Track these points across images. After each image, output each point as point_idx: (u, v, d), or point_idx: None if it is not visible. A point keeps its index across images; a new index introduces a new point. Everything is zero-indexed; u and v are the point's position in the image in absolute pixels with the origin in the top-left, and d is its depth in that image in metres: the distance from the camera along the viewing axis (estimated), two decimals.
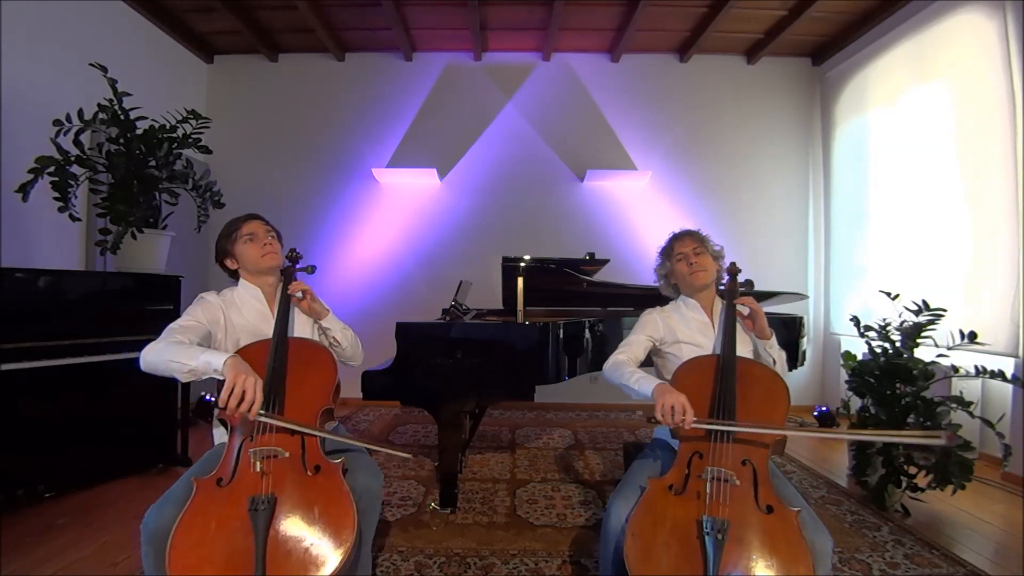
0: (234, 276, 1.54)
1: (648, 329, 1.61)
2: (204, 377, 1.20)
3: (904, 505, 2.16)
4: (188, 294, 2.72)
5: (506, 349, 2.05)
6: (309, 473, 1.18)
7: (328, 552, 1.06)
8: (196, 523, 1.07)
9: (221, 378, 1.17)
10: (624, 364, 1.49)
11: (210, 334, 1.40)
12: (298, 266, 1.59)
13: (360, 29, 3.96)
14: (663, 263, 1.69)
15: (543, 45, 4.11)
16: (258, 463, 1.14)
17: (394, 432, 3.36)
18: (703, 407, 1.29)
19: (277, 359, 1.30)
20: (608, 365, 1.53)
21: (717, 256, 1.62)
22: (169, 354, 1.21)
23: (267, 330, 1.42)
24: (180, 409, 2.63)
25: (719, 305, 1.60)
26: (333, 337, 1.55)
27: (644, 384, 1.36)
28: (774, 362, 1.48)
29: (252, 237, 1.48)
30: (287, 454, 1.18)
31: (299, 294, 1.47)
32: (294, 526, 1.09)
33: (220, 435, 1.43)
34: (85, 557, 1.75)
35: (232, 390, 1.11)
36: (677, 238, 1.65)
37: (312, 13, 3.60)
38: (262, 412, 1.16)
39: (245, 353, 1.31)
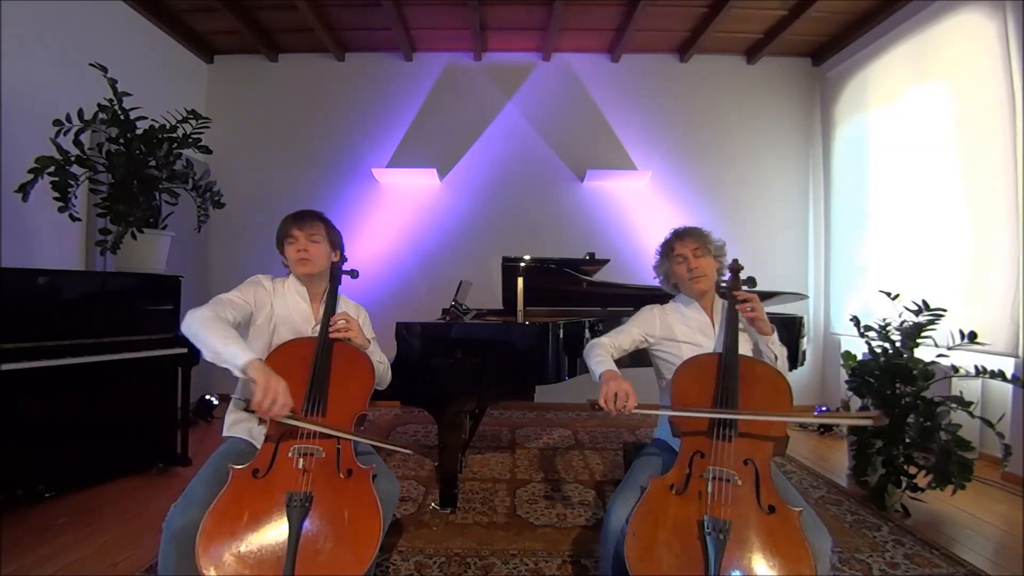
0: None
1: (643, 324, 1.60)
2: (223, 365, 1.22)
3: (904, 505, 2.16)
4: (188, 294, 2.75)
5: (506, 349, 2.05)
6: (342, 476, 1.19)
7: (355, 556, 1.08)
8: (229, 511, 1.08)
9: (237, 374, 1.20)
10: (600, 346, 1.52)
11: (252, 315, 1.43)
12: (342, 270, 1.59)
13: (360, 29, 3.95)
14: (662, 262, 1.65)
15: (543, 45, 4.11)
16: (300, 460, 1.16)
17: (394, 432, 3.36)
18: (705, 406, 1.28)
19: (321, 361, 1.31)
20: (588, 344, 1.57)
21: (719, 255, 1.58)
22: (206, 326, 1.23)
23: (305, 328, 1.45)
24: (180, 409, 2.63)
25: (719, 303, 1.59)
26: None
27: (599, 367, 1.40)
28: (775, 358, 1.47)
29: (293, 240, 1.48)
30: (324, 454, 1.20)
31: (341, 336, 1.38)
32: (325, 527, 1.10)
33: (231, 423, 1.42)
34: (85, 557, 1.75)
35: (266, 393, 1.14)
36: (677, 236, 1.59)
37: (312, 13, 3.59)
38: (289, 414, 1.18)
39: (288, 349, 1.34)
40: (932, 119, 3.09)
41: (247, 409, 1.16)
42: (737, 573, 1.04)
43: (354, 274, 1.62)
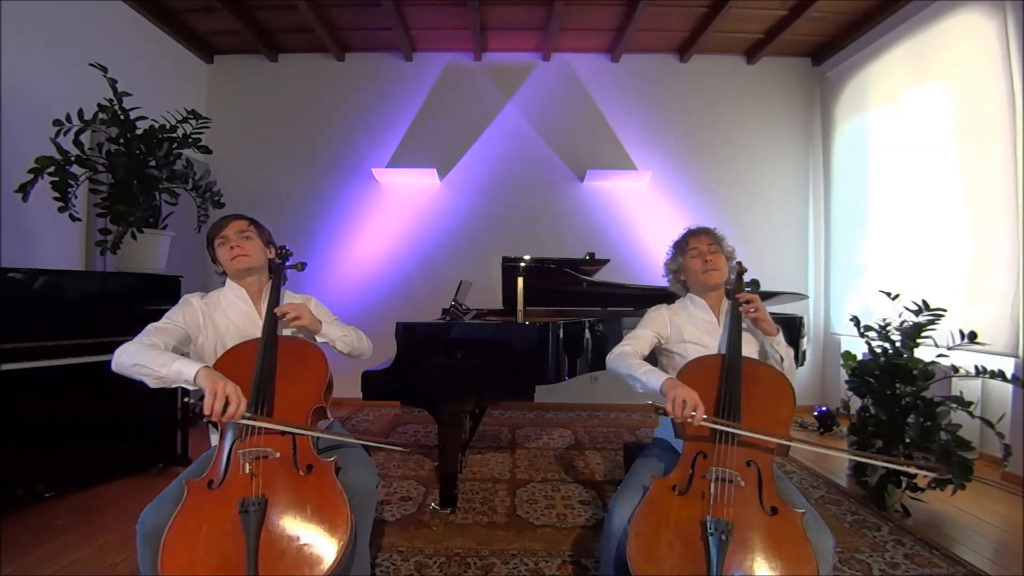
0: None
1: (655, 325, 1.59)
2: (174, 385, 1.19)
3: (904, 505, 2.16)
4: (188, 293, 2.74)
5: (506, 349, 2.05)
6: (301, 473, 1.16)
7: (322, 551, 1.05)
8: (188, 526, 1.06)
9: (192, 387, 1.17)
10: (631, 356, 1.48)
11: (188, 337, 1.38)
12: (288, 263, 1.56)
13: (360, 29, 3.95)
14: (675, 257, 1.66)
15: (543, 45, 4.11)
16: (247, 464, 1.13)
17: (394, 432, 3.36)
18: (708, 407, 1.28)
19: (266, 360, 1.28)
20: (613, 355, 1.51)
21: (730, 256, 1.61)
22: (139, 358, 1.20)
23: (254, 331, 1.40)
24: (180, 409, 2.63)
25: (725, 304, 1.60)
26: (334, 347, 1.52)
27: (653, 377, 1.34)
28: (781, 359, 1.47)
29: (224, 240, 1.45)
30: (278, 454, 1.17)
31: (290, 316, 1.38)
32: (287, 526, 1.08)
33: (216, 437, 1.43)
34: (85, 557, 1.75)
35: (215, 396, 1.12)
36: (693, 234, 1.62)
37: (312, 13, 3.59)
38: (247, 415, 1.15)
39: (233, 354, 1.30)
40: (932, 119, 3.09)
41: (201, 416, 1.13)
42: (739, 574, 1.04)
43: (300, 266, 1.58)
